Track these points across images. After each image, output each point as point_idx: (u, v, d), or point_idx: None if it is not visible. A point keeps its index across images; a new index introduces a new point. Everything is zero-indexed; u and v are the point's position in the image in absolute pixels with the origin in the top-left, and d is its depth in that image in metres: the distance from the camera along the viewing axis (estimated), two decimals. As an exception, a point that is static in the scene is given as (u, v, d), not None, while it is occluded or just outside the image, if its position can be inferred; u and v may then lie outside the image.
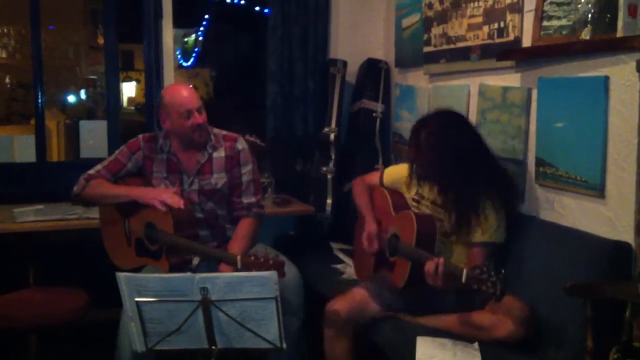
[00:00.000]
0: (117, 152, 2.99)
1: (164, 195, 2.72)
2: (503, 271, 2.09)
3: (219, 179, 2.93)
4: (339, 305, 2.69)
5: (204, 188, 2.91)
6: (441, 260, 2.32)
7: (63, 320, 2.87)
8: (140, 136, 3.01)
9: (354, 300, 2.70)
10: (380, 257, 2.80)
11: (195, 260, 2.88)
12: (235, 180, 2.95)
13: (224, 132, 3.02)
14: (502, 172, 2.69)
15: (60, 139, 5.71)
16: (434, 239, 2.57)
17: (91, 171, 2.93)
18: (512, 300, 2.37)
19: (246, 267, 2.38)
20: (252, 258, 2.38)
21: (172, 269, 2.68)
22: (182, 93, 2.85)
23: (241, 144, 2.99)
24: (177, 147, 2.93)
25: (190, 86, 2.98)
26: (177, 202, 2.70)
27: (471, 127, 2.71)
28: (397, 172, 2.94)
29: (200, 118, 2.84)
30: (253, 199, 2.97)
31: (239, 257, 2.43)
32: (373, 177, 3.04)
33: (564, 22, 2.52)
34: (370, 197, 2.98)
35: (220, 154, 2.94)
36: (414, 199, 2.80)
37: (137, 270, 2.77)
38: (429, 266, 2.34)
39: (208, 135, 2.93)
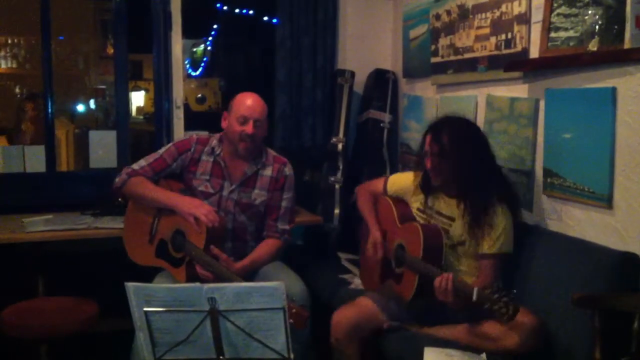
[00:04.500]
0: (163, 150, 2.99)
1: (199, 211, 2.68)
2: (515, 291, 2.11)
3: (258, 196, 2.93)
4: (346, 313, 2.70)
5: (242, 200, 2.91)
6: (450, 276, 2.33)
7: (73, 331, 2.87)
8: (195, 137, 3.02)
9: (360, 309, 2.70)
10: (387, 268, 2.80)
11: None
12: (274, 202, 2.96)
13: (274, 154, 3.04)
14: (509, 182, 2.70)
15: (70, 148, 5.73)
16: (441, 252, 2.56)
17: (135, 166, 2.94)
18: (520, 311, 2.37)
19: None
20: None
21: (188, 280, 2.67)
22: (246, 100, 2.90)
23: (289, 170, 3.01)
24: (227, 153, 2.94)
25: (260, 100, 2.94)
26: (211, 220, 2.67)
27: (483, 135, 2.70)
28: (402, 180, 2.93)
29: (252, 130, 2.84)
30: (287, 227, 2.99)
31: None
32: (377, 185, 3.03)
33: (571, 33, 2.53)
34: (374, 204, 2.98)
35: (267, 172, 2.96)
36: (419, 209, 2.79)
37: (149, 272, 2.78)
38: (438, 282, 2.35)
39: (255, 150, 2.92)
